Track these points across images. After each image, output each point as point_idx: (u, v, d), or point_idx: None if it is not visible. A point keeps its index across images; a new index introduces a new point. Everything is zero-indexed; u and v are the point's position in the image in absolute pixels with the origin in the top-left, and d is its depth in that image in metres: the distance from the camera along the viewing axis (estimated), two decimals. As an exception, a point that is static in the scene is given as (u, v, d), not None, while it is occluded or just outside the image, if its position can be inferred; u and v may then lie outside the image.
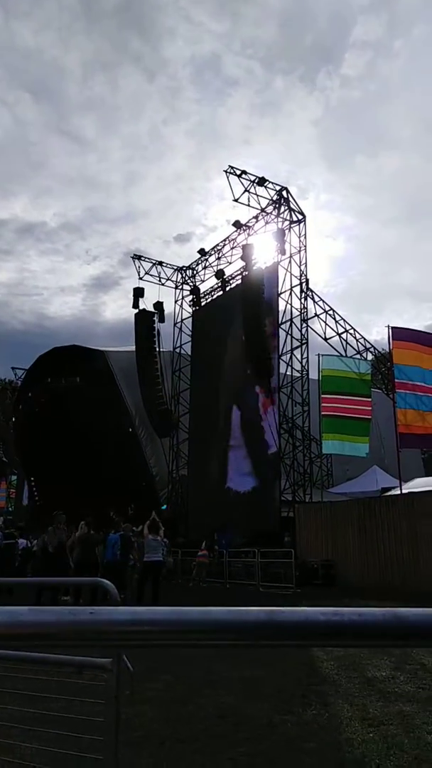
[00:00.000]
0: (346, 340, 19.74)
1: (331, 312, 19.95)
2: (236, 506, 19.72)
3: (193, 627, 0.64)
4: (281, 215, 20.04)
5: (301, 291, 19.40)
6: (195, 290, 25.11)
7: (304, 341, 19.12)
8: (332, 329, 19.79)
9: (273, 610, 0.65)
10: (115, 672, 2.39)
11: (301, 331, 19.17)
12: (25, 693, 3.35)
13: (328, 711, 4.54)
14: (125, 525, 13.38)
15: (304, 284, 19.49)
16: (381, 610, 0.65)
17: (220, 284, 23.52)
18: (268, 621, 0.63)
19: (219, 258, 23.70)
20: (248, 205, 20.25)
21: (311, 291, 19.83)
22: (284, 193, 19.99)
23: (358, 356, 19.31)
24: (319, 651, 6.41)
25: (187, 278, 25.69)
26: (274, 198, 20.04)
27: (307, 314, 19.31)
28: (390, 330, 16.89)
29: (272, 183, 19.91)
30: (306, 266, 19.64)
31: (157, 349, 23.91)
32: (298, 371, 19.03)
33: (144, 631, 0.64)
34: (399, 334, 16.82)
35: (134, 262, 24.93)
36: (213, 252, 23.94)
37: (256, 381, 19.78)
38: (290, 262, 19.58)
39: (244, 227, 21.83)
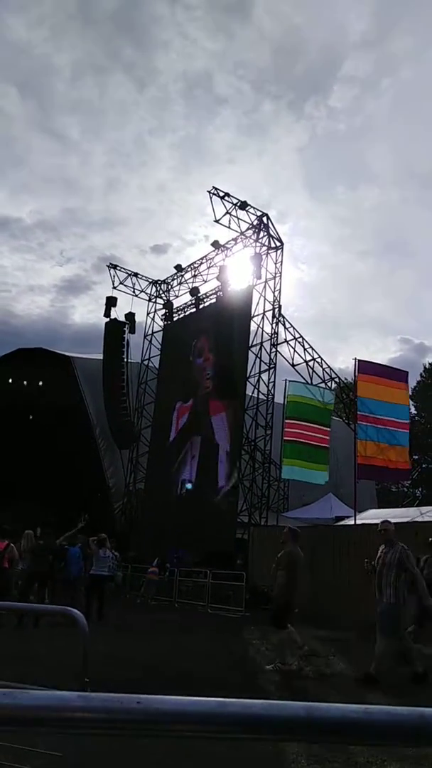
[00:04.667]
0: (312, 368, 20.06)
1: (300, 339, 20.27)
2: (191, 525, 19.64)
3: (232, 721, 0.67)
4: (260, 240, 20.35)
5: (273, 316, 19.68)
6: (168, 305, 25.15)
7: (272, 365, 19.35)
8: (300, 356, 20.11)
9: (311, 706, 0.69)
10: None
11: (270, 355, 19.42)
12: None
13: None
14: (80, 536, 13.19)
15: (276, 310, 19.78)
16: (407, 710, 0.69)
17: (193, 301, 23.63)
18: (306, 716, 0.67)
19: (195, 275, 23.83)
20: (228, 227, 20.51)
21: (283, 317, 20.15)
22: (264, 219, 20.33)
23: (323, 385, 19.64)
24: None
25: (161, 292, 25.72)
26: (254, 222, 20.35)
27: (277, 339, 19.59)
28: (356, 363, 17.27)
29: (253, 208, 20.25)
30: (280, 292, 19.98)
31: (125, 360, 23.76)
32: (264, 394, 19.22)
33: (188, 722, 0.67)
34: (365, 367, 17.20)
35: (110, 270, 24.86)
36: (189, 269, 24.07)
37: (221, 401, 19.88)
38: (265, 286, 19.86)
39: (223, 248, 22.06)
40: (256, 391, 19.17)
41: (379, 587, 6.78)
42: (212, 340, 19.60)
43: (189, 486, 20.25)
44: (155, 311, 25.86)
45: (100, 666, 5.18)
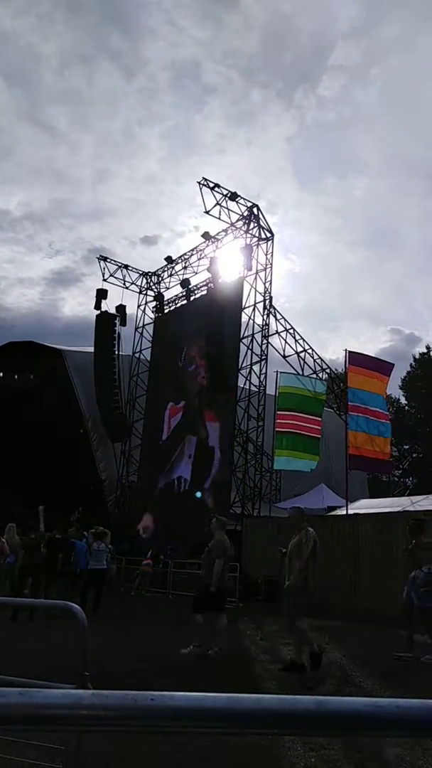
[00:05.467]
0: (303, 359, 20.10)
1: (291, 330, 20.31)
2: (184, 516, 19.70)
3: (244, 716, 0.68)
4: (250, 231, 20.30)
5: (264, 307, 19.69)
6: (159, 297, 25.08)
7: (263, 357, 19.37)
8: (291, 347, 20.15)
9: (322, 700, 0.70)
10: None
11: (261, 347, 19.43)
12: None
13: None
14: (70, 530, 13.17)
15: (267, 301, 19.79)
16: (418, 702, 0.71)
17: (184, 293, 23.57)
18: (316, 710, 0.68)
19: (185, 267, 23.76)
20: (219, 218, 20.45)
21: (274, 308, 20.16)
22: (255, 210, 20.27)
23: (314, 376, 19.70)
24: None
25: (151, 284, 25.63)
26: (245, 213, 20.29)
27: (268, 331, 19.60)
28: (347, 354, 17.35)
29: (243, 199, 20.18)
30: (270, 284, 19.99)
31: (117, 353, 23.70)
32: (255, 386, 19.26)
33: (201, 719, 0.68)
34: (355, 359, 17.29)
35: (99, 263, 24.74)
36: (180, 260, 23.99)
37: (212, 393, 19.90)
38: (255, 278, 19.85)
39: (213, 239, 21.99)
40: (247, 382, 19.20)
41: (289, 571, 6.91)
42: (203, 331, 19.55)
43: (198, 495, 20.23)
44: (146, 303, 25.81)
45: (98, 659, 5.20)
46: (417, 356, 45.04)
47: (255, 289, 19.72)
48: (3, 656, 6.42)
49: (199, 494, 20.00)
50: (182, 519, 19.52)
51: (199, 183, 19.69)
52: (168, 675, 6.30)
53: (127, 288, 25.23)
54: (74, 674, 3.35)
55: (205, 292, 22.10)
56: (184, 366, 22.70)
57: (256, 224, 20.25)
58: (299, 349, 20.23)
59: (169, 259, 24.30)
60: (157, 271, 25.33)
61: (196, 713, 0.68)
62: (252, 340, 19.42)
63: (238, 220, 20.50)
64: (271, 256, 20.23)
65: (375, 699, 0.72)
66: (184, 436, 22.00)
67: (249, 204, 20.28)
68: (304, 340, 20.45)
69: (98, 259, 24.77)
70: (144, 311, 25.77)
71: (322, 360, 20.80)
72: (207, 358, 19.25)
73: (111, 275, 24.77)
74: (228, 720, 0.69)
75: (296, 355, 20.10)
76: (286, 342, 20.14)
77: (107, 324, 23.81)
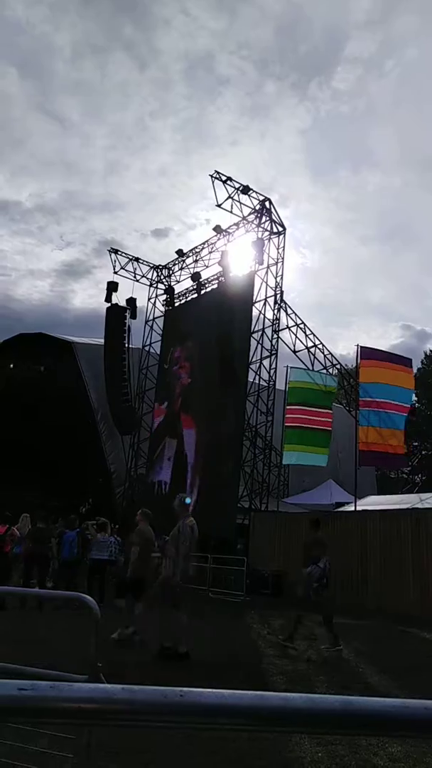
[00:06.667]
0: (314, 354, 20.04)
1: (302, 325, 20.23)
2: (192, 509, 19.74)
3: (271, 714, 0.68)
4: (262, 225, 20.21)
5: (275, 302, 19.62)
6: (169, 290, 25.07)
7: (273, 352, 19.34)
8: (302, 342, 20.08)
9: (349, 700, 0.70)
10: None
11: (271, 341, 19.38)
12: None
13: None
14: (71, 517, 13.25)
15: (278, 295, 19.71)
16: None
17: (195, 287, 23.54)
18: (343, 710, 0.68)
19: (196, 260, 23.72)
20: (230, 212, 20.37)
21: (285, 303, 20.09)
22: (267, 203, 20.17)
23: (324, 371, 19.64)
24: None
25: (162, 277, 25.63)
26: (257, 207, 20.20)
27: (279, 325, 19.54)
28: (359, 349, 17.27)
29: (256, 192, 20.07)
30: (282, 278, 19.89)
31: (127, 346, 23.74)
32: (265, 381, 19.22)
33: (229, 716, 0.68)
34: (367, 353, 17.21)
35: (111, 255, 24.77)
36: (191, 254, 23.95)
37: (222, 387, 19.88)
38: (267, 272, 19.77)
39: (224, 233, 21.92)
40: (257, 377, 19.17)
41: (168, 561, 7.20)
42: (213, 325, 19.51)
43: (188, 501, 20.37)
44: (156, 296, 25.83)
45: (107, 649, 5.25)
46: (428, 352, 44.76)
47: (266, 283, 19.67)
48: (13, 645, 6.49)
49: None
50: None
51: (212, 176, 19.62)
52: (173, 666, 6.34)
53: (137, 281, 25.27)
54: (86, 664, 3.38)
55: (215, 286, 22.07)
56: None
57: (268, 218, 20.15)
58: (309, 344, 20.17)
59: (180, 252, 24.27)
60: (167, 264, 25.32)
61: (224, 710, 0.68)
62: (262, 335, 19.37)
63: (250, 214, 20.41)
64: (283, 250, 20.14)
65: (403, 700, 0.72)
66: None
67: (261, 197, 20.18)
68: (314, 335, 20.39)
69: (109, 251, 24.83)
70: (154, 304, 25.82)
71: (332, 355, 20.74)
72: (217, 349, 19.21)
73: (122, 268, 24.81)
74: (255, 718, 0.70)
75: (306, 350, 20.05)
76: (296, 337, 20.10)
77: (117, 317, 23.85)
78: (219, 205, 20.02)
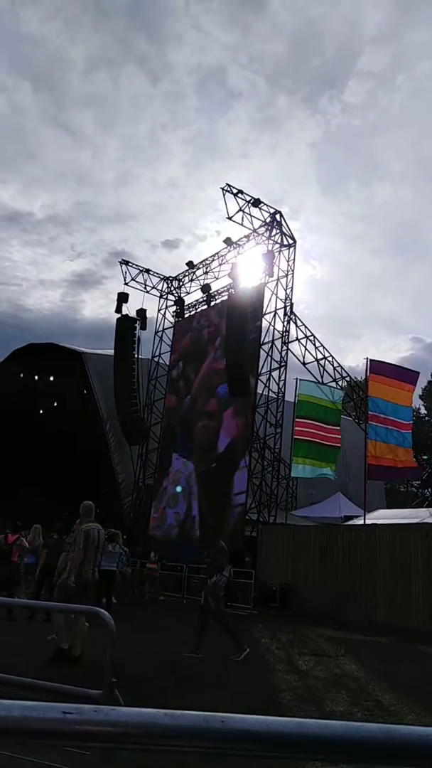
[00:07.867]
0: (323, 366, 20.00)
1: (311, 338, 20.22)
2: (199, 521, 19.70)
3: (311, 741, 0.69)
4: (272, 237, 20.29)
5: (285, 314, 19.64)
6: (179, 301, 25.17)
7: (283, 363, 19.33)
8: (311, 354, 20.05)
9: (389, 728, 0.70)
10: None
11: (281, 353, 19.39)
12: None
13: None
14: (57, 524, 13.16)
15: (288, 308, 19.74)
16: None
17: (205, 298, 23.62)
18: (384, 738, 0.68)
19: (206, 272, 23.82)
20: (241, 224, 20.48)
21: (294, 315, 20.10)
22: (277, 216, 20.27)
23: (333, 383, 19.59)
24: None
25: (172, 288, 25.74)
26: (267, 220, 20.30)
27: (288, 337, 19.54)
28: (368, 362, 17.24)
29: (266, 205, 20.17)
30: (292, 290, 19.94)
31: (136, 356, 23.81)
32: (274, 393, 19.20)
33: (269, 743, 0.68)
34: (376, 367, 17.18)
35: (122, 266, 24.92)
36: (201, 265, 24.06)
37: (231, 399, 19.87)
38: (277, 284, 19.82)
39: (235, 245, 22.02)
40: (266, 389, 19.15)
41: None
42: (223, 336, 19.57)
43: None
44: (166, 307, 25.94)
45: (118, 662, 5.23)
46: (437, 366, 44.52)
47: (276, 295, 19.72)
48: (25, 658, 6.47)
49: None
50: (195, 525, 19.51)
51: (223, 189, 19.76)
52: (185, 680, 6.30)
53: (147, 292, 25.40)
54: (97, 678, 3.37)
55: (225, 298, 22.14)
56: (206, 381, 22.94)
57: (278, 230, 20.23)
58: (319, 356, 20.15)
59: (190, 264, 24.39)
60: (178, 275, 25.44)
61: (264, 737, 0.69)
62: (272, 346, 19.38)
63: (260, 227, 20.51)
64: (293, 262, 20.21)
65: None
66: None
67: (272, 210, 20.28)
68: (324, 347, 20.37)
69: (120, 263, 24.97)
70: (164, 315, 25.91)
71: (342, 367, 20.69)
72: (226, 360, 19.23)
73: (132, 279, 24.95)
74: (295, 745, 0.70)
75: (316, 362, 20.02)
76: (306, 349, 20.08)
77: (127, 327, 23.94)
78: (230, 218, 20.16)
